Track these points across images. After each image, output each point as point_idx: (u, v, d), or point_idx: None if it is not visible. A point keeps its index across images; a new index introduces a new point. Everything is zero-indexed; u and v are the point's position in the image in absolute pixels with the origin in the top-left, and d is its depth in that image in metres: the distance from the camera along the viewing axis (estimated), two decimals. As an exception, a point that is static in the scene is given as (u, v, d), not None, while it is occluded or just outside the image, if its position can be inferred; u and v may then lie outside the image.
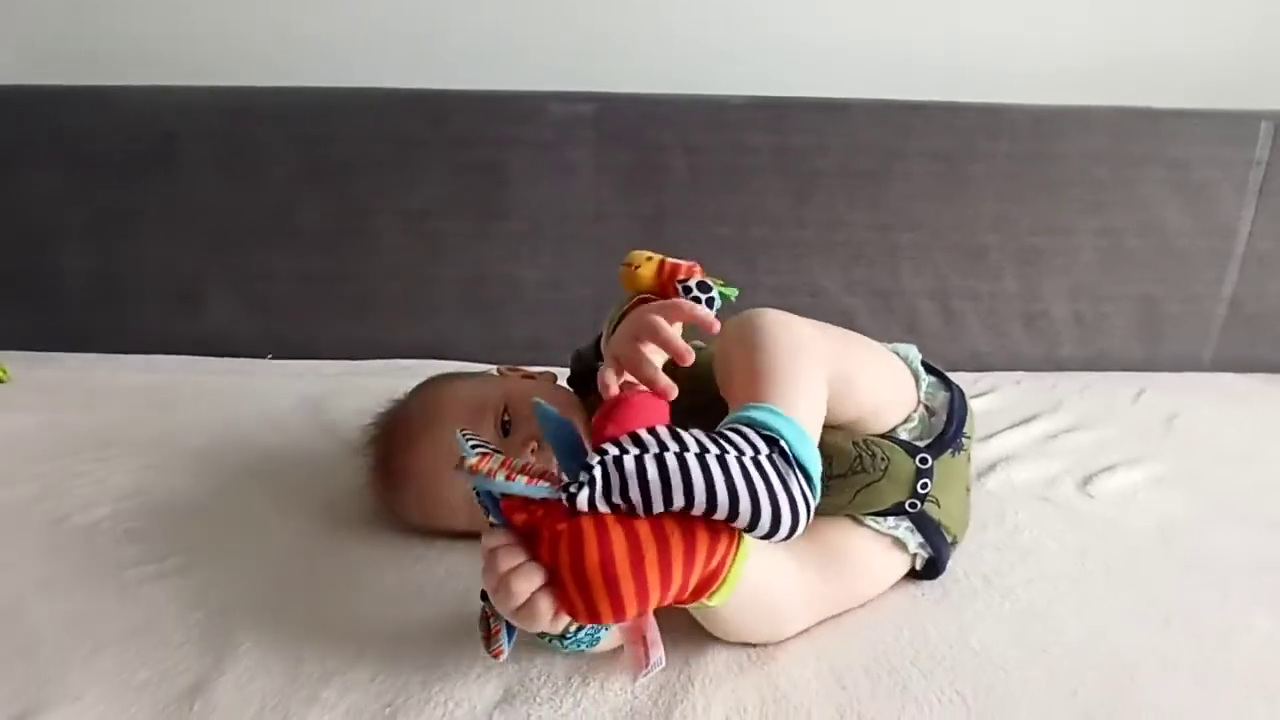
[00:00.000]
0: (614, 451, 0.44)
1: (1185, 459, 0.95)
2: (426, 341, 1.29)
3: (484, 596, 0.51)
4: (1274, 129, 1.21)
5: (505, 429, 0.72)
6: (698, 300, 0.58)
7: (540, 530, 0.45)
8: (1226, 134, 1.22)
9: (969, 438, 0.69)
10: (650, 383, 0.51)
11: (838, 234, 1.26)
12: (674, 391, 0.50)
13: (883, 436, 0.66)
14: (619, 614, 0.43)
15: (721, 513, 0.43)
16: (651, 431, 0.45)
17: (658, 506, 0.43)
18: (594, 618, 0.44)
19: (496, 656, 0.51)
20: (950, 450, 0.67)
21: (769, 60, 1.28)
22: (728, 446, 0.45)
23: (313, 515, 0.82)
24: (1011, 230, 1.25)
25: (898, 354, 0.73)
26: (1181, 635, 0.64)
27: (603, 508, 0.44)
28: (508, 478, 0.45)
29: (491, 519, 0.48)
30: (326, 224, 1.26)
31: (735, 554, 0.45)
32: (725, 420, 0.49)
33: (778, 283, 1.28)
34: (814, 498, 0.46)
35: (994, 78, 1.24)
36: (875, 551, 0.66)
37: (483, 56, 1.27)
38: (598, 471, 0.43)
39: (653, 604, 0.44)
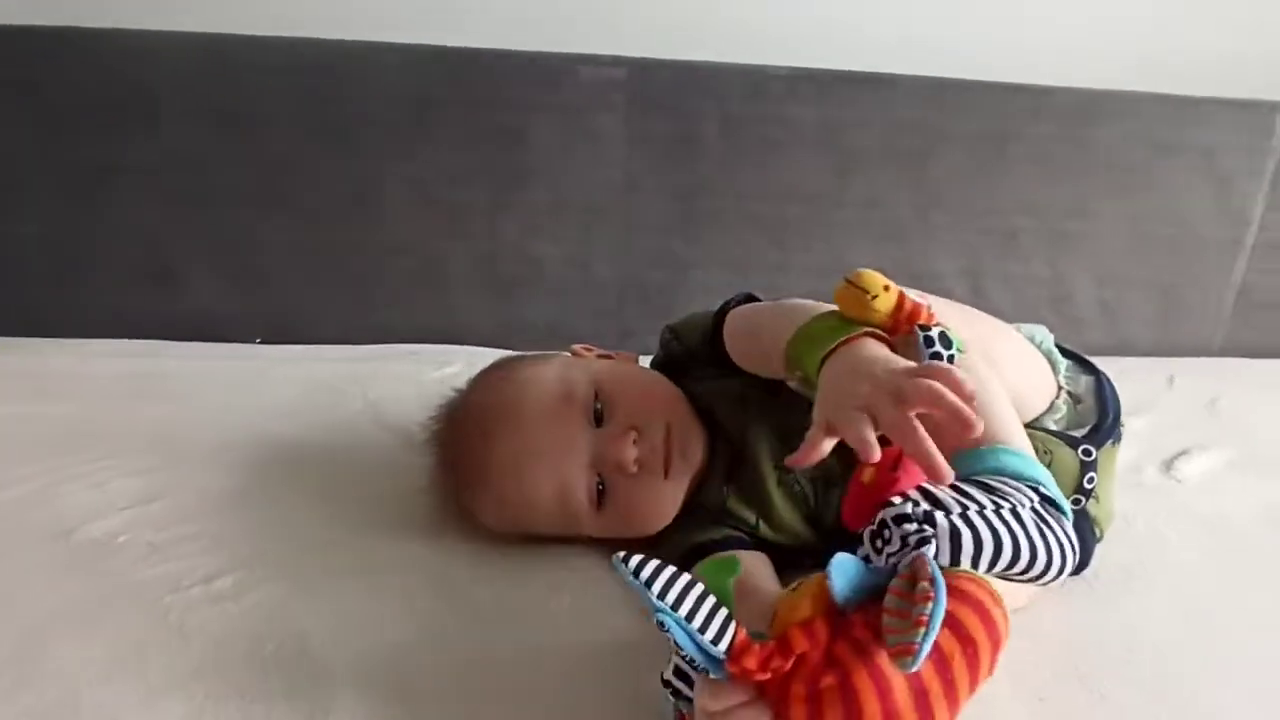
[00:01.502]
0: (950, 509, 0.39)
1: (1250, 442, 0.95)
2: (436, 324, 1.19)
3: (670, 692, 0.44)
4: (1291, 119, 1.23)
5: (598, 418, 0.64)
6: (938, 355, 0.48)
7: (788, 684, 0.38)
8: (1246, 123, 1.24)
9: (1123, 425, 0.66)
10: (927, 461, 0.43)
11: (875, 213, 1.22)
12: (951, 477, 0.43)
13: (1030, 427, 0.62)
14: None
15: (1031, 568, 0.40)
16: (925, 491, 0.41)
17: (983, 568, 0.39)
18: None
19: None
20: (1111, 440, 0.63)
21: (812, 30, 1.21)
22: (1010, 500, 0.42)
23: (367, 518, 0.73)
24: (1044, 213, 1.24)
25: (1023, 335, 0.69)
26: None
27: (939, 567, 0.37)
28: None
29: (710, 673, 0.40)
30: (326, 191, 1.13)
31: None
32: (977, 458, 0.46)
33: (810, 262, 1.23)
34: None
35: (1036, 58, 1.22)
36: None
37: (507, 12, 1.16)
38: (945, 526, 0.37)
39: None
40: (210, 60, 1.07)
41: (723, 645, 0.39)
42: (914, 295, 0.52)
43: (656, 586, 0.39)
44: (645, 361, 0.81)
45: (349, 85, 1.10)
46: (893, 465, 0.43)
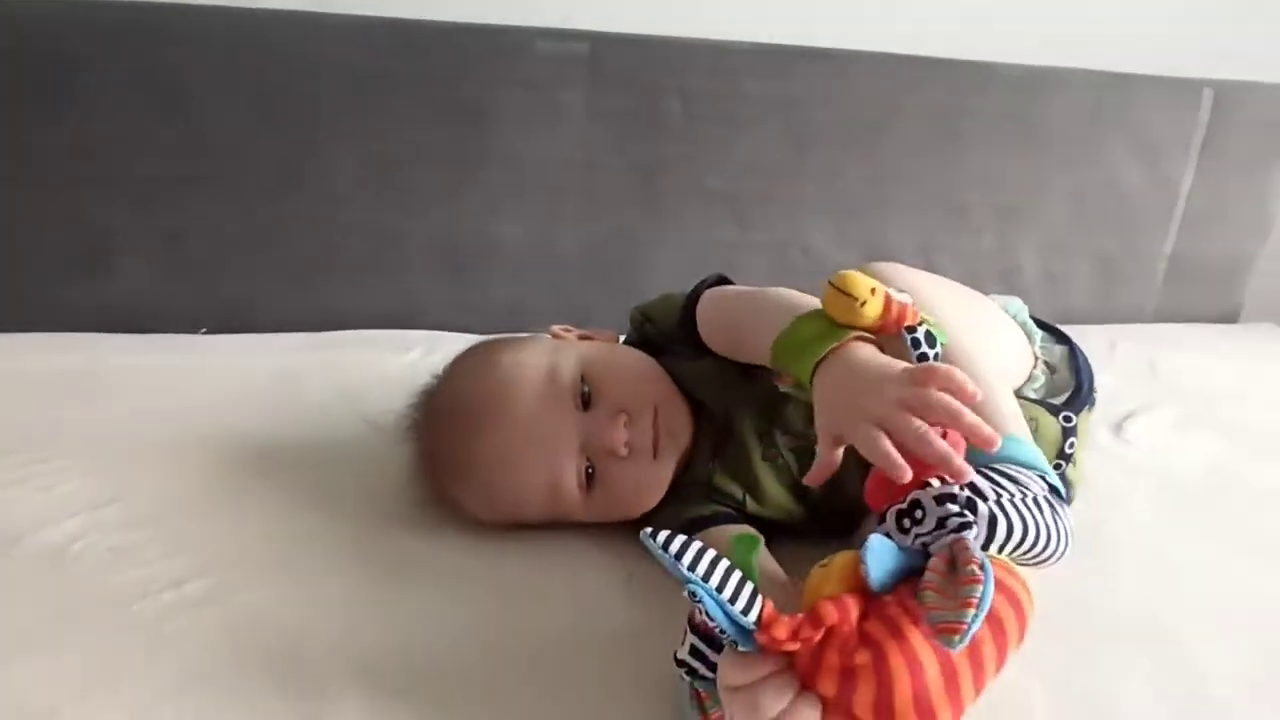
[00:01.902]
0: (987, 495, 0.41)
1: (1191, 403, 1.01)
2: (392, 308, 1.15)
3: (686, 670, 0.43)
4: (1214, 95, 1.30)
5: (585, 402, 0.63)
6: (925, 356, 0.49)
7: (820, 655, 0.39)
8: (1175, 99, 1.30)
9: (1096, 391, 0.69)
10: (947, 466, 0.43)
11: (833, 188, 1.23)
12: (971, 475, 0.44)
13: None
14: None
15: (1044, 553, 0.42)
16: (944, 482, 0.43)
17: (1007, 551, 0.41)
18: None
19: None
20: (1087, 406, 0.65)
21: (772, 5, 1.21)
22: (1030, 490, 0.44)
23: (342, 512, 0.69)
24: (993, 188, 1.28)
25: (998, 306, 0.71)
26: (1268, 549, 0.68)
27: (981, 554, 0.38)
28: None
29: (738, 645, 0.40)
30: (272, 171, 1.07)
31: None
32: (984, 457, 0.47)
33: (770, 238, 1.24)
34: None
35: (985, 36, 1.25)
36: None
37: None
38: (985, 513, 0.39)
39: (968, 707, 0.39)
40: (136, 30, 0.99)
41: (752, 615, 0.39)
42: (896, 295, 0.52)
43: (687, 559, 0.39)
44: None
45: (292, 59, 1.03)
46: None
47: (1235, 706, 0.51)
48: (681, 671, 0.44)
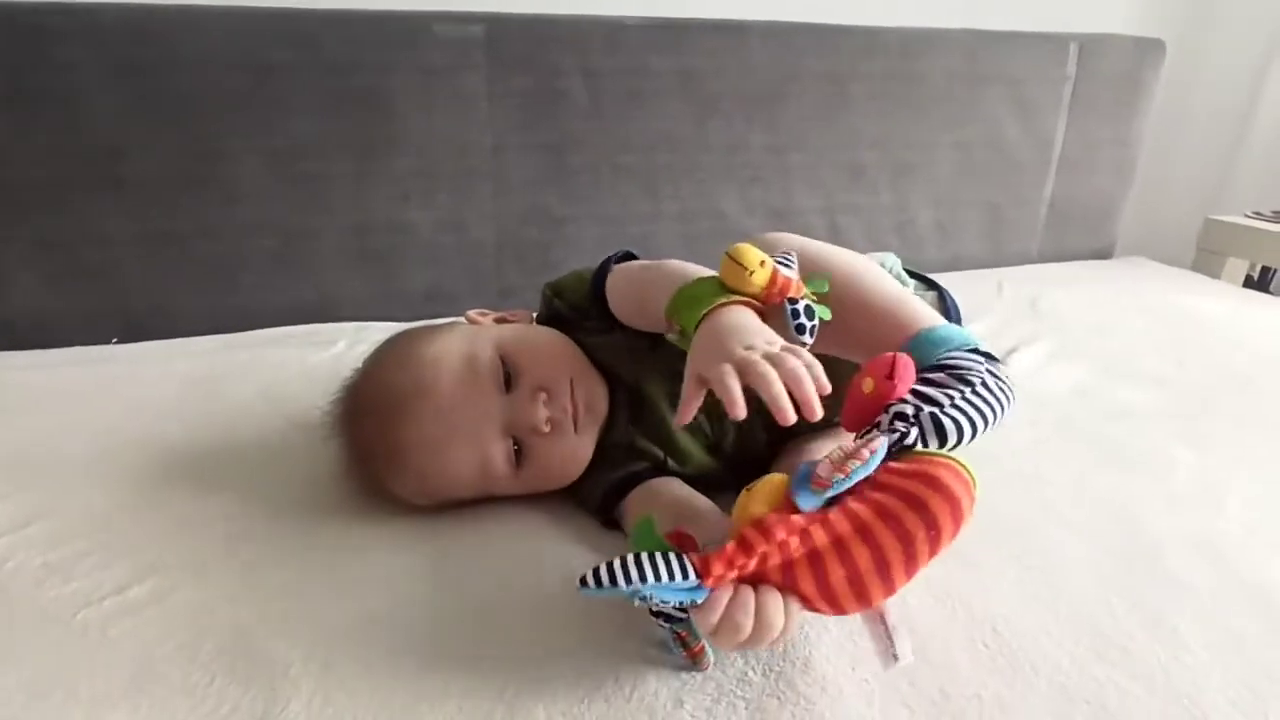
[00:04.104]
0: (941, 403, 0.47)
1: (1065, 335, 1.10)
2: (308, 303, 1.14)
3: (665, 619, 0.47)
4: (1080, 48, 1.40)
5: (506, 383, 0.65)
6: (802, 328, 0.54)
7: (763, 568, 0.45)
8: (1045, 54, 1.39)
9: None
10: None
11: (736, 157, 1.27)
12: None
13: None
14: (866, 607, 0.45)
15: (999, 423, 0.49)
16: (917, 392, 0.49)
17: (967, 441, 0.47)
18: (839, 613, 0.45)
19: (706, 668, 0.50)
20: None
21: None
22: (975, 375, 0.50)
23: (273, 508, 0.70)
24: (886, 147, 1.35)
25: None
26: (1136, 470, 0.76)
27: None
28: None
29: (695, 601, 0.45)
30: (166, 171, 1.04)
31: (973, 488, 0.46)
32: (921, 346, 0.53)
33: (680, 208, 1.27)
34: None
35: (869, 2, 1.30)
36: None
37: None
38: (926, 418, 0.46)
39: (901, 587, 0.44)
40: (8, 27, 0.94)
41: (691, 577, 0.44)
42: (783, 270, 0.56)
43: (620, 579, 0.43)
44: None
45: (176, 53, 1.00)
46: (888, 373, 0.48)
47: (1090, 598, 0.58)
48: (659, 621, 0.48)
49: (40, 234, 1.02)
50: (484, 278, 1.22)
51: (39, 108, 0.97)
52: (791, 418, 0.45)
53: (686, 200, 1.27)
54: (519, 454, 0.65)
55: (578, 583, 0.44)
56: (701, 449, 0.70)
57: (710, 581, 0.44)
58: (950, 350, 0.52)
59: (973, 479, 0.45)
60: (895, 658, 0.45)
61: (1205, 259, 1.51)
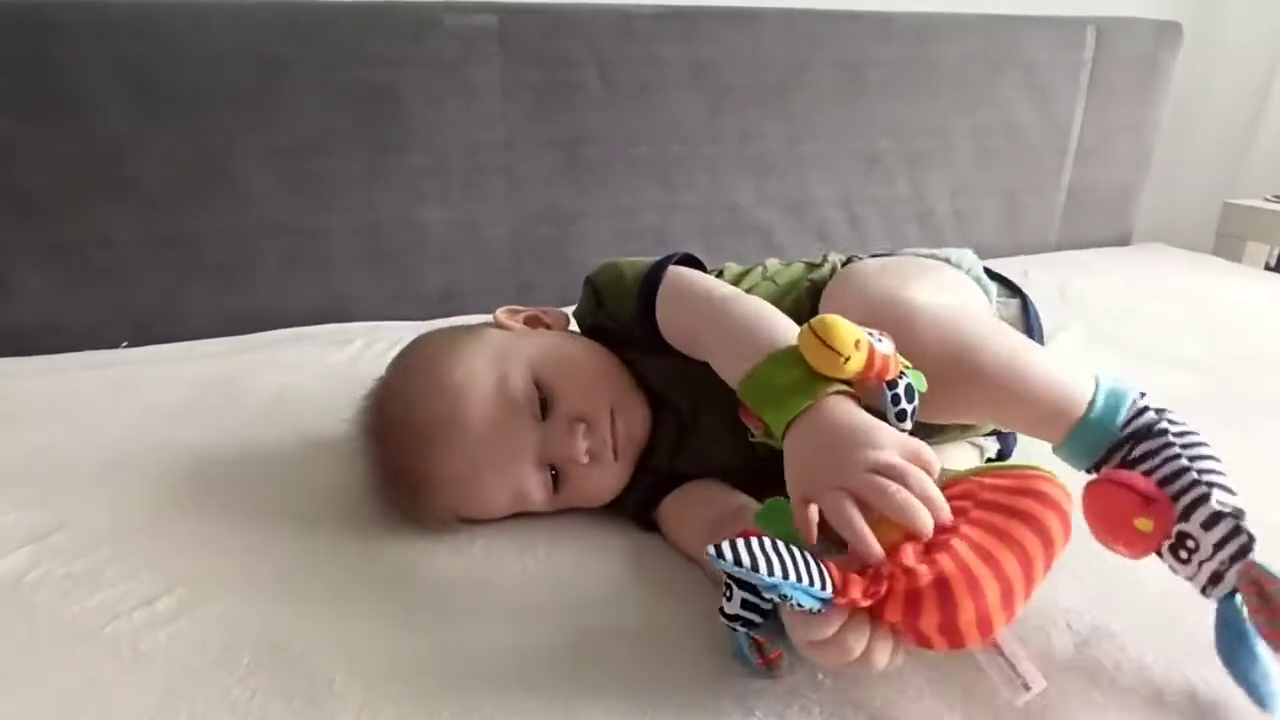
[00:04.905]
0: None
1: (1095, 322, 1.09)
2: (320, 304, 1.11)
3: (740, 623, 0.44)
4: (1097, 32, 1.38)
5: (542, 407, 0.61)
6: (903, 415, 0.47)
7: (885, 596, 0.40)
8: (1062, 37, 1.37)
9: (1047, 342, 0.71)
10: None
11: (750, 147, 1.25)
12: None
13: None
14: (989, 640, 0.41)
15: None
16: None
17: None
18: (957, 648, 0.41)
19: (781, 676, 0.47)
20: None
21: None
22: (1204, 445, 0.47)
23: (300, 515, 0.67)
24: (902, 135, 1.32)
25: (951, 261, 0.69)
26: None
27: None
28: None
29: (812, 609, 0.41)
30: (173, 172, 1.01)
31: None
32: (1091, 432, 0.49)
33: (696, 200, 1.25)
34: None
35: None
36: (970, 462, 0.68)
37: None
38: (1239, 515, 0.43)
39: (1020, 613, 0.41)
40: (11, 27, 0.92)
41: (829, 589, 0.39)
42: (879, 346, 0.48)
43: (762, 567, 0.39)
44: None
45: (180, 51, 0.98)
46: (1147, 503, 0.45)
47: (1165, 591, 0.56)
48: (736, 625, 0.44)
49: (48, 238, 1.00)
50: (500, 276, 1.19)
51: (45, 108, 0.95)
52: (930, 533, 0.42)
53: (701, 192, 1.25)
54: (556, 479, 0.62)
55: (711, 550, 0.39)
56: (743, 463, 0.64)
57: (843, 601, 0.40)
58: (1121, 422, 0.48)
59: (1066, 489, 0.43)
60: (1026, 687, 0.41)
61: (1225, 243, 1.49)
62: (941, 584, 0.39)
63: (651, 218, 1.24)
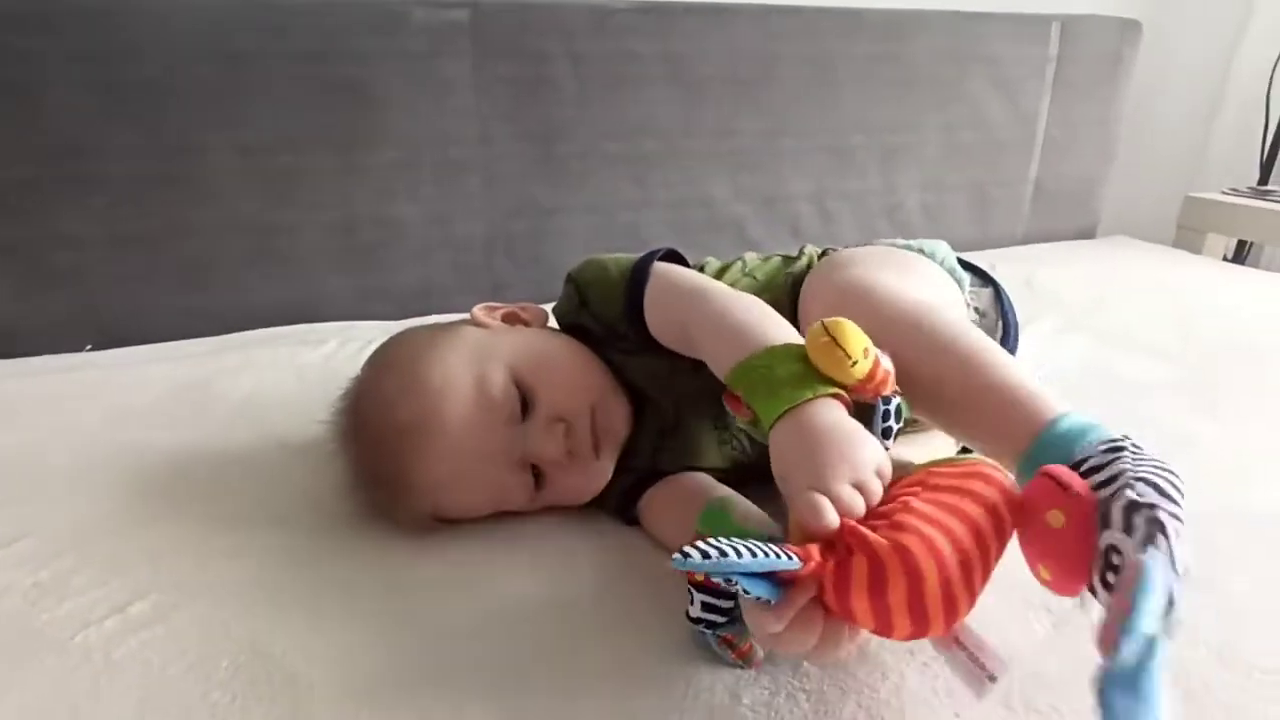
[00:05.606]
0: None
1: (1063, 312, 1.11)
2: (292, 303, 1.09)
3: (704, 625, 0.45)
4: (1061, 28, 1.40)
5: (523, 408, 0.60)
6: (888, 432, 0.47)
7: (849, 573, 0.39)
8: (1028, 34, 1.39)
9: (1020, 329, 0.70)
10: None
11: (724, 142, 1.26)
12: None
13: None
14: (948, 628, 0.40)
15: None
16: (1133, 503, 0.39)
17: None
18: (919, 636, 0.40)
19: (758, 665, 0.47)
20: (1013, 349, 0.68)
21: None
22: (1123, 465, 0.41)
23: (275, 517, 0.65)
24: (873, 130, 1.34)
25: (925, 252, 0.69)
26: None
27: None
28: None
29: (768, 599, 0.40)
30: (134, 168, 0.99)
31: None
32: (1055, 444, 0.45)
33: (671, 196, 1.25)
34: None
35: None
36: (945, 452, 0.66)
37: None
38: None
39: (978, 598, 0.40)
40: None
41: (795, 561, 0.39)
42: (883, 360, 0.47)
43: (730, 555, 0.38)
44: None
45: (146, 43, 0.95)
46: (1062, 494, 0.40)
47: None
48: (700, 627, 0.45)
49: (3, 238, 0.96)
50: (474, 273, 1.18)
51: (2, 102, 0.92)
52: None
53: (675, 187, 1.25)
54: (537, 478, 0.61)
55: (677, 556, 0.38)
56: (727, 462, 0.66)
57: (811, 567, 0.39)
58: (1085, 443, 0.44)
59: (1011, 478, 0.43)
60: (991, 679, 0.39)
61: (1186, 236, 1.53)
62: (901, 550, 0.39)
63: (627, 213, 1.23)
